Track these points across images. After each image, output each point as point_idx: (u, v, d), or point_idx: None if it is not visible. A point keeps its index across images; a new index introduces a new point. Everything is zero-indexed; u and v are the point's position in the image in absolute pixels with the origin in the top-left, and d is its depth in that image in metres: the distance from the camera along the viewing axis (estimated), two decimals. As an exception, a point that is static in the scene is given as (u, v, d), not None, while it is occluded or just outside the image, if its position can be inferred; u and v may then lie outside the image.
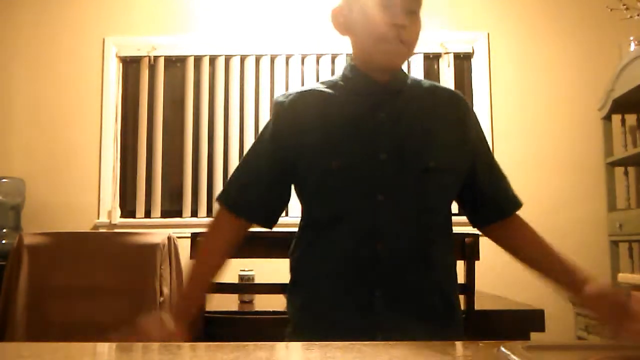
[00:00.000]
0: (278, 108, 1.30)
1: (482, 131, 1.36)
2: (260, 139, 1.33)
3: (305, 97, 1.28)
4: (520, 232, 1.31)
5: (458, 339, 1.21)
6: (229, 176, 1.36)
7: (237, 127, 3.64)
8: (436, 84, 1.36)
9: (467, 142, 1.29)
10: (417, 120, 1.25)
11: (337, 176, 1.20)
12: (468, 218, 1.37)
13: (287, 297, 1.33)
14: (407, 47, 1.21)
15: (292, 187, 1.31)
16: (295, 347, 0.88)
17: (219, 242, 1.30)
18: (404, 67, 1.39)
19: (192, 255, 1.55)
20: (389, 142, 1.21)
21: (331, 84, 1.29)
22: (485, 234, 1.37)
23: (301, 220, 1.31)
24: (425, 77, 3.60)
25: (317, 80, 3.36)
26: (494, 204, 1.33)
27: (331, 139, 1.22)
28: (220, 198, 1.32)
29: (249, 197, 1.29)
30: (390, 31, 1.18)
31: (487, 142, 1.38)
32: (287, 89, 3.62)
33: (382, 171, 1.20)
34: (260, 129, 1.38)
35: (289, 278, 1.32)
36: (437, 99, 1.30)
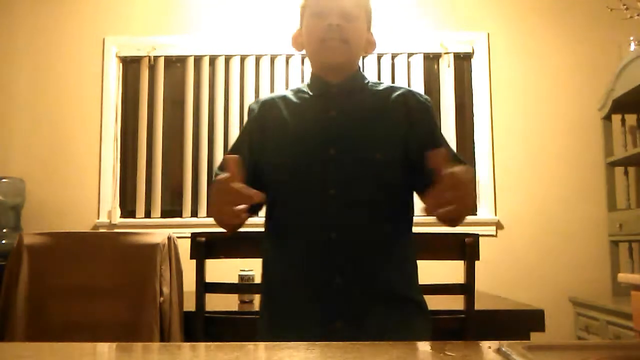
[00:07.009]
0: (249, 113, 1.46)
1: (434, 125, 1.43)
2: (239, 137, 1.49)
3: (270, 104, 1.43)
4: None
5: (420, 325, 1.31)
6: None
7: (237, 127, 3.63)
8: (395, 85, 1.46)
9: (411, 136, 1.36)
10: (364, 117, 1.36)
11: (289, 173, 1.33)
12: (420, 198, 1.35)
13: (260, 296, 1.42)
14: (345, 43, 1.35)
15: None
16: (296, 347, 0.88)
17: None
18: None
19: (192, 255, 1.57)
20: (338, 137, 1.32)
21: (296, 90, 1.46)
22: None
23: (265, 219, 1.40)
24: (425, 77, 3.61)
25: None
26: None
27: (284, 139, 1.36)
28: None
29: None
30: (326, 31, 1.34)
31: (438, 134, 1.44)
32: (287, 89, 3.61)
33: (331, 165, 1.31)
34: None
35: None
36: (387, 99, 1.40)
